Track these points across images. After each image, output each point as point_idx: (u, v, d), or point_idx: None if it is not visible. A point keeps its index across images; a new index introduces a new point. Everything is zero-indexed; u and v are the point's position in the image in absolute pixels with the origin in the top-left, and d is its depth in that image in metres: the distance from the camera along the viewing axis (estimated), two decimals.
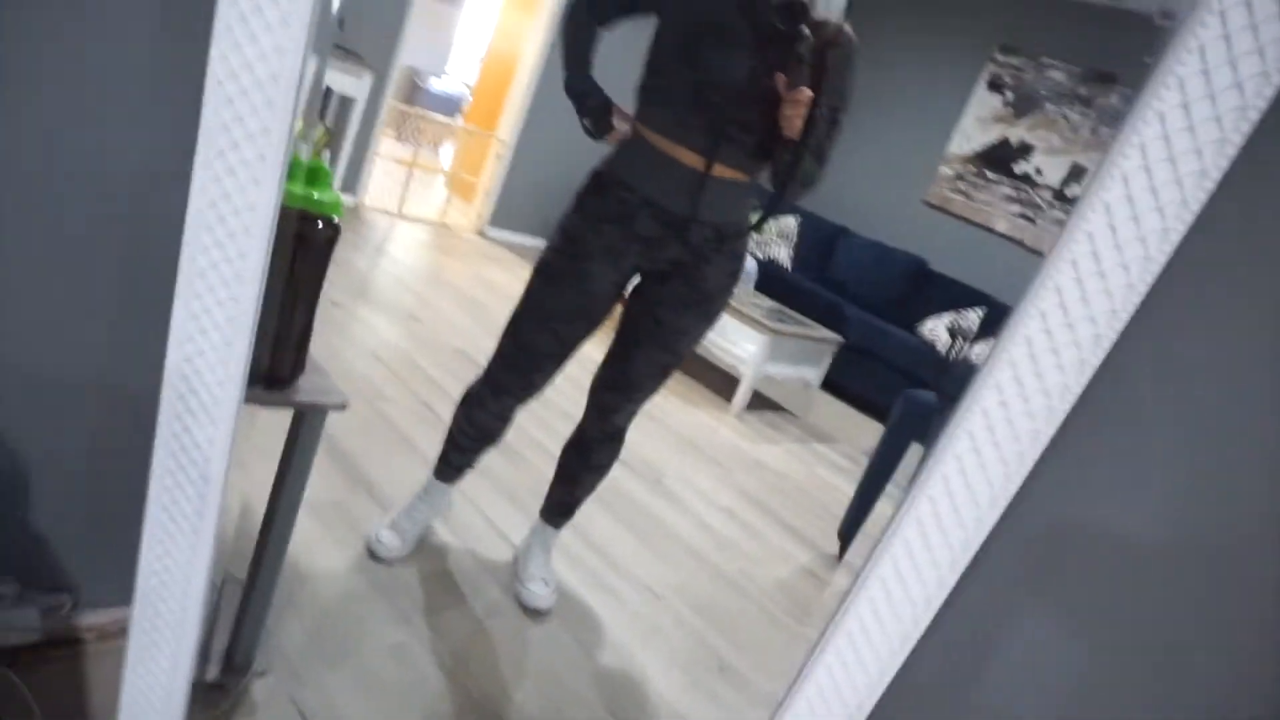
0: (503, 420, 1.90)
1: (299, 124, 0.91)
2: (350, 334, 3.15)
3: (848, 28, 1.56)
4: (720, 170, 1.59)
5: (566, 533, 2.16)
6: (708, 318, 1.76)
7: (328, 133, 1.26)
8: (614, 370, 1.84)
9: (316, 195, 1.15)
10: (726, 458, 3.43)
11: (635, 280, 1.79)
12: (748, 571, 2.55)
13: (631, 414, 1.90)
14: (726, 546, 2.65)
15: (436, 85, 8.26)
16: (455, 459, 2.01)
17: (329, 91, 4.62)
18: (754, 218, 1.68)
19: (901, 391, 4.84)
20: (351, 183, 5.02)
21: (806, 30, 1.48)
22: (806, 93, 1.46)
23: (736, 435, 3.76)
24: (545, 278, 1.72)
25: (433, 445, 2.05)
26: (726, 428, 3.81)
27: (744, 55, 1.51)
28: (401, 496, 2.11)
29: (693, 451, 3.32)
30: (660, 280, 1.72)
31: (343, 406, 1.33)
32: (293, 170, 1.14)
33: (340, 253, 4.50)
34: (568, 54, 1.72)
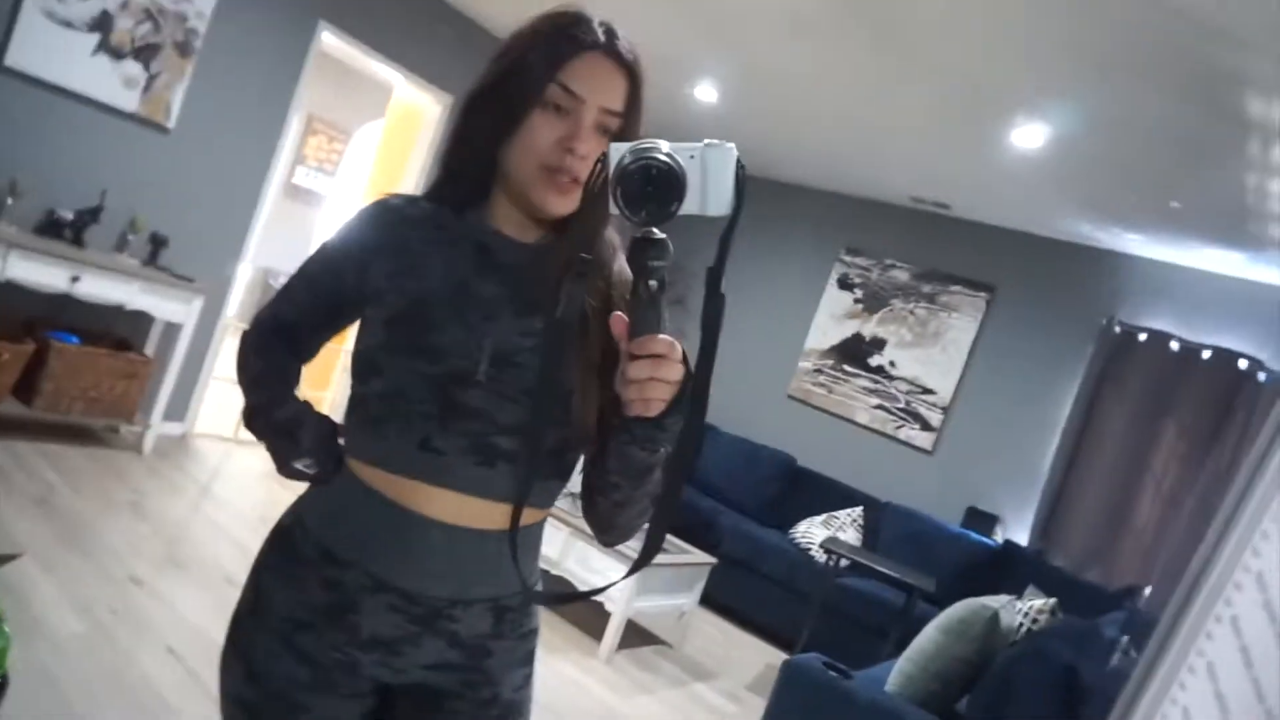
0: None
1: None
2: (146, 623, 2.67)
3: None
4: (491, 513, 1.00)
5: None
6: None
7: None
8: None
9: None
10: None
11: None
12: None
13: None
14: None
15: None
16: None
17: (150, 318, 4.26)
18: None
19: (777, 602, 4.61)
20: (178, 411, 4.61)
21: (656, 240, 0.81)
22: (670, 343, 0.81)
23: (607, 688, 3.39)
24: None
25: None
26: (595, 679, 3.44)
27: (509, 323, 1.00)
28: None
29: None
30: (424, 705, 1.07)
31: None
32: None
33: (155, 502, 3.88)
34: (260, 383, 1.14)
